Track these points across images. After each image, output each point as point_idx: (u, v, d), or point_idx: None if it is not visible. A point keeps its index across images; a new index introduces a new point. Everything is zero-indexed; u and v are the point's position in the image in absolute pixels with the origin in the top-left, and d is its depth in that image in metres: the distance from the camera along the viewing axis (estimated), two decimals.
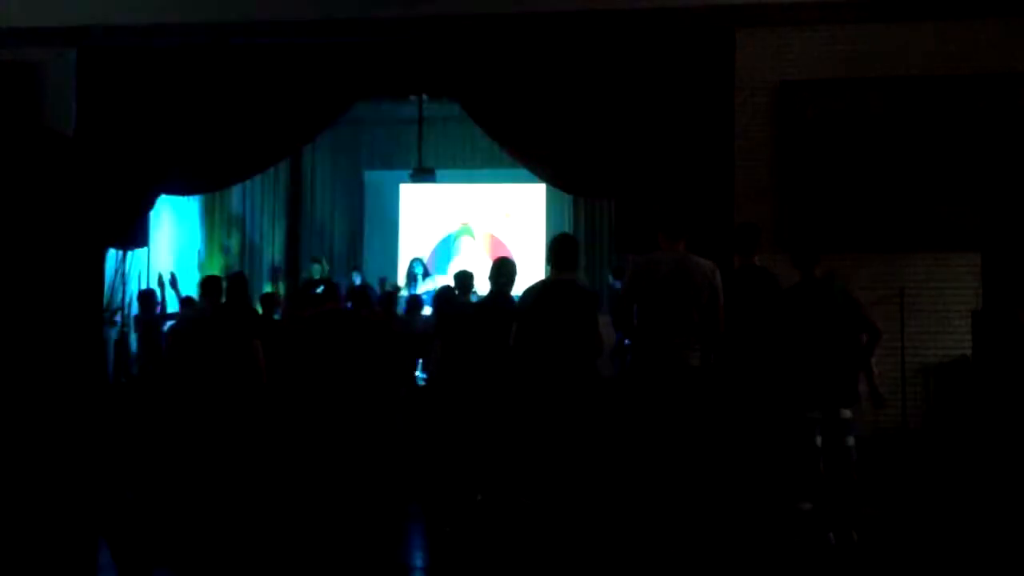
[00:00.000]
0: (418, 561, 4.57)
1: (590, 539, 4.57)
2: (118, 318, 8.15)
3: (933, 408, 6.88)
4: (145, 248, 8.45)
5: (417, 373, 7.16)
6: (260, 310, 7.27)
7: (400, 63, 7.83)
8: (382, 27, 7.68)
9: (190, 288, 8.47)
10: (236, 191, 10.20)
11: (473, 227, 11.54)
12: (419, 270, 9.65)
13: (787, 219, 7.12)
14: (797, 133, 7.18)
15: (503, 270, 5.24)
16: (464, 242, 11.53)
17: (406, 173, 10.42)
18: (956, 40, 7.04)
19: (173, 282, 8.10)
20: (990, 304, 5.50)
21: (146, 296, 7.89)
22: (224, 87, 7.95)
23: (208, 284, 6.60)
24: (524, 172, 8.85)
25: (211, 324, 6.28)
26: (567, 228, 10.50)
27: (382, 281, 9.42)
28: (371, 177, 11.82)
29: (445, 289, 6.53)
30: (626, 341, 5.48)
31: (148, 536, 4.58)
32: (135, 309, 8.03)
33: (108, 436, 3.09)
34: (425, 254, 10.82)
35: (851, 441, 4.67)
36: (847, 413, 4.69)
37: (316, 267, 9.35)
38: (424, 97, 9.49)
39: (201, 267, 9.76)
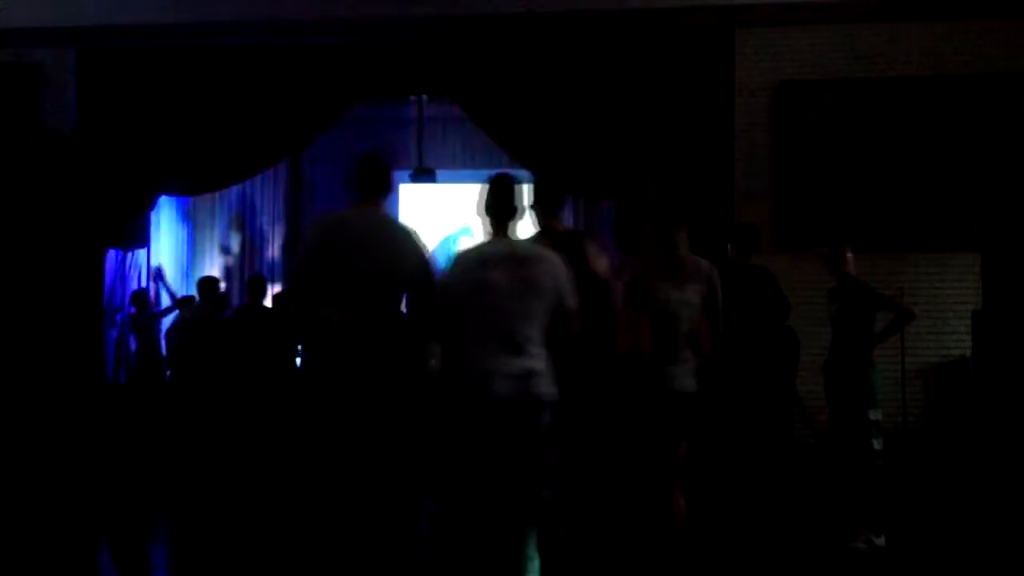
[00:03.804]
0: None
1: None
2: (118, 318, 8.15)
3: (933, 408, 6.88)
4: (145, 248, 8.45)
5: None
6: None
7: (399, 63, 7.84)
8: (382, 27, 7.68)
9: (188, 287, 8.49)
10: (236, 191, 10.18)
11: (473, 227, 11.54)
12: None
13: (787, 219, 7.12)
14: (797, 133, 7.17)
15: None
16: (464, 242, 11.53)
17: (406, 173, 10.41)
18: (956, 40, 7.04)
19: (160, 275, 8.13)
20: (990, 304, 5.50)
21: (138, 296, 7.92)
22: (224, 88, 7.95)
23: (205, 284, 6.76)
24: (524, 172, 8.84)
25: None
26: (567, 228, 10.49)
27: None
28: None
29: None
30: None
31: (148, 536, 4.58)
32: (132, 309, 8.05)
33: (108, 436, 3.09)
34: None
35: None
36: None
37: None
38: (424, 97, 9.48)
39: (200, 267, 9.75)
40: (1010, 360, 5.11)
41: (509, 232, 3.37)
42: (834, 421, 4.90)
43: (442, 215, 11.61)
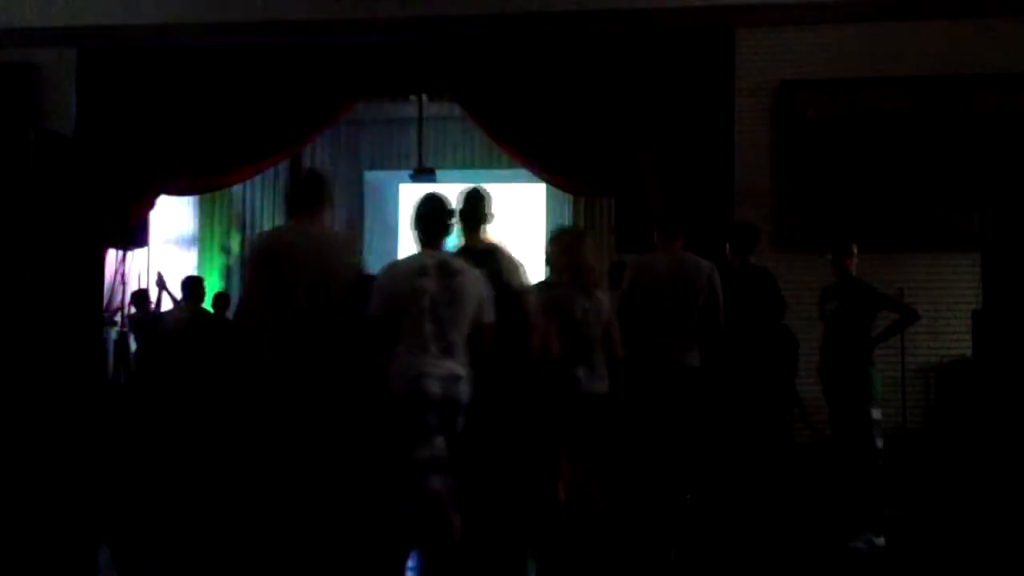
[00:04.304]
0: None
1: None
2: (118, 318, 8.15)
3: (933, 408, 6.88)
4: (145, 248, 8.45)
5: None
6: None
7: (399, 63, 7.83)
8: (381, 27, 7.67)
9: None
10: (236, 191, 10.19)
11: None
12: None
13: (787, 219, 7.12)
14: (797, 133, 7.17)
15: None
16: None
17: (406, 173, 10.40)
18: (956, 40, 7.04)
19: (161, 282, 8.11)
20: (990, 304, 5.49)
21: (139, 296, 7.90)
22: (224, 87, 7.94)
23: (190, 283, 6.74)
24: (524, 172, 8.84)
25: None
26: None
27: None
28: (371, 177, 11.79)
29: None
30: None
31: (148, 536, 4.58)
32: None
33: (108, 436, 3.09)
34: None
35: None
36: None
37: None
38: (424, 97, 9.49)
39: (200, 268, 9.76)
40: (1010, 360, 5.11)
41: (438, 246, 3.68)
42: (835, 421, 4.90)
43: None
